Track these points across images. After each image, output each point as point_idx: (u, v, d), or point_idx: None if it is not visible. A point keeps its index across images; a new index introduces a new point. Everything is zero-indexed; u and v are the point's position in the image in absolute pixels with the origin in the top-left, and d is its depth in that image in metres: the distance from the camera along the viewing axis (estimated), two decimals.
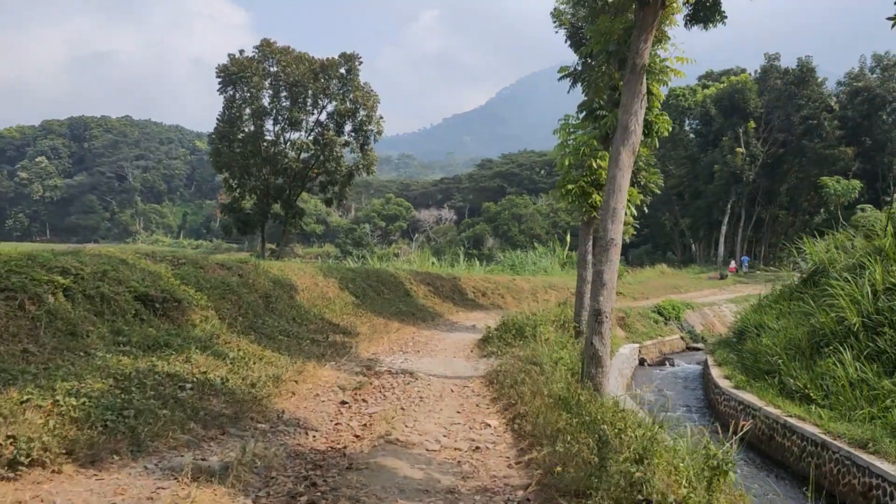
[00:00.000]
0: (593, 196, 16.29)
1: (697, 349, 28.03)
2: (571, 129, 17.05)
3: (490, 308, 25.10)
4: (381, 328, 15.78)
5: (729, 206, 58.14)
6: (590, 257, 17.00)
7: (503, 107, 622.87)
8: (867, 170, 62.20)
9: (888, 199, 57.25)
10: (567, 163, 16.43)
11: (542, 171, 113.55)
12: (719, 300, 35.27)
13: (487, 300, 26.03)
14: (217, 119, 30.46)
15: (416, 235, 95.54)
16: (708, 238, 65.99)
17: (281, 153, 31.03)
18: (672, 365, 24.52)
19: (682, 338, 28.15)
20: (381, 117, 31.75)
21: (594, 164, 16.19)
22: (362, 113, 31.50)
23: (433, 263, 31.10)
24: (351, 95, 31.09)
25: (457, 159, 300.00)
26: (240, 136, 30.26)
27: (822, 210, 77.21)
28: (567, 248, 41.85)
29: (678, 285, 41.67)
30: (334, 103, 31.34)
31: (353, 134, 31.98)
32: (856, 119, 55.08)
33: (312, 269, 17.58)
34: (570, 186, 16.27)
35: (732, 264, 53.58)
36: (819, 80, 57.46)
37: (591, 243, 17.11)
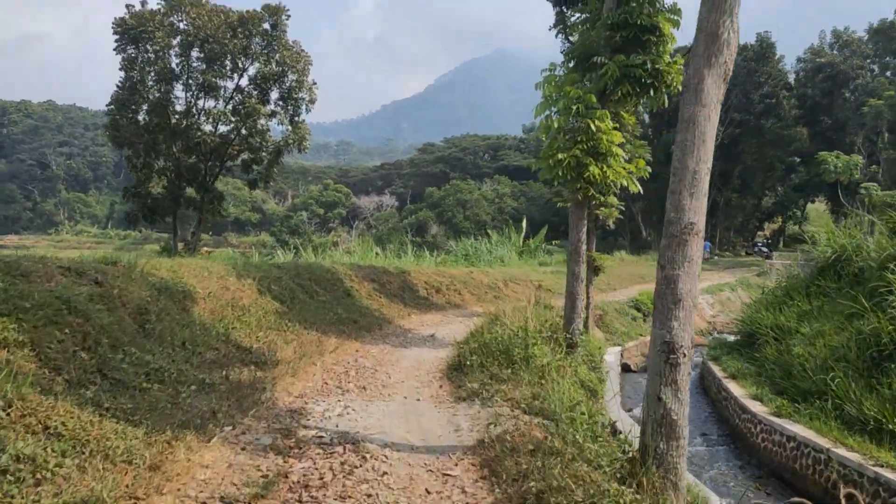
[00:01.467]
0: (591, 168, 12.46)
1: None
2: (559, 82, 13.19)
3: (447, 308, 21.22)
4: (313, 347, 11.70)
5: None
6: (583, 247, 13.25)
7: (442, 93, 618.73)
8: (822, 150, 60.49)
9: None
10: (556, 125, 12.55)
11: (487, 156, 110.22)
12: None
13: (443, 297, 22.12)
14: (116, 86, 25.46)
15: (357, 223, 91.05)
16: (663, 222, 63.34)
17: (194, 125, 26.18)
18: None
19: None
20: (315, 83, 27.01)
21: (592, 127, 12.34)
22: (291, 77, 26.66)
23: (377, 254, 27.01)
24: (277, 56, 26.11)
25: (397, 146, 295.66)
26: (143, 106, 25.31)
27: (768, 192, 75.79)
28: (522, 234, 38.29)
29: (642, 274, 38.49)
30: (257, 65, 26.56)
31: (280, 103, 27.05)
32: (815, 97, 52.93)
33: (222, 268, 13.35)
34: (560, 156, 12.41)
35: None
36: (777, 56, 55.12)
37: (584, 230, 13.33)
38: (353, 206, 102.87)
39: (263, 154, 27.10)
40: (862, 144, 52.00)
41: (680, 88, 13.20)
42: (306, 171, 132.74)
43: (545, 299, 20.97)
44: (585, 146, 12.45)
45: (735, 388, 14.39)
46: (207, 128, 26.71)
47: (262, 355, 10.11)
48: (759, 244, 58.54)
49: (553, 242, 53.71)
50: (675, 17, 13.06)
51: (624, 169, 13.03)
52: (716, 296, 32.01)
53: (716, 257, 53.69)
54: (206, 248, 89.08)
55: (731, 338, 21.63)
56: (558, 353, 11.47)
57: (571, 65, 13.45)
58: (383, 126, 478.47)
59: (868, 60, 52.16)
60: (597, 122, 12.38)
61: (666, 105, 13.52)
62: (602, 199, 19.54)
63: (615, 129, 12.81)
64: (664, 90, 13.12)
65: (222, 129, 27.07)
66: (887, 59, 51.95)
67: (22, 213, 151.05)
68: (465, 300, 22.78)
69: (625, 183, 13.03)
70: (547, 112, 13.18)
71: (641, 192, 13.74)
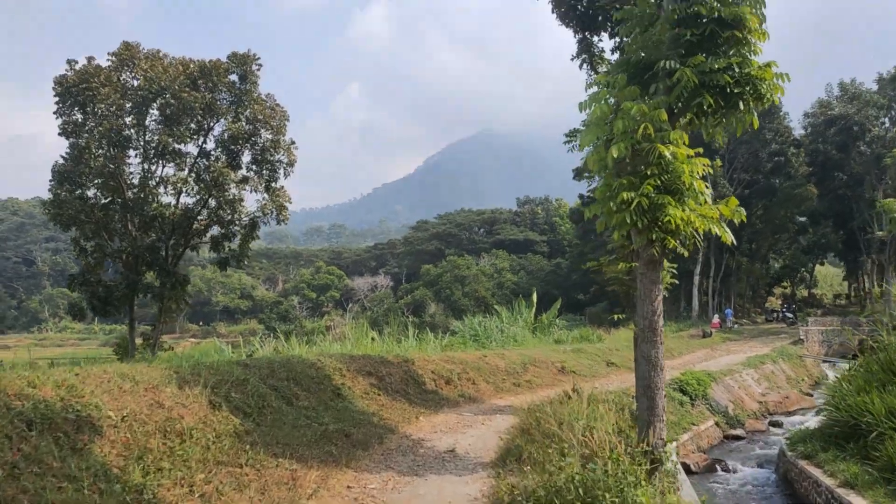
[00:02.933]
0: (669, 211, 8.92)
1: (738, 438, 20.71)
2: (611, 101, 9.81)
3: (461, 403, 17.35)
4: (283, 492, 7.91)
5: (701, 255, 52.07)
6: (661, 322, 9.59)
7: (432, 174, 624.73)
8: (833, 209, 57.64)
9: (868, 238, 52.26)
10: (616, 155, 9.06)
11: (482, 231, 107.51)
12: (732, 365, 28.19)
13: (455, 390, 18.24)
14: (62, 157, 21.80)
15: (351, 305, 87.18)
16: (676, 291, 59.89)
17: (150, 197, 22.61)
18: (727, 470, 16.97)
19: (716, 423, 20.79)
20: (293, 142, 23.32)
21: (667, 154, 8.88)
22: (265, 136, 22.95)
23: (373, 339, 23.18)
24: (247, 112, 22.62)
25: (390, 227, 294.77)
26: (91, 178, 21.49)
27: (774, 256, 72.85)
28: (534, 309, 34.55)
29: (670, 348, 34.70)
30: (224, 123, 23.32)
31: (253, 167, 23.58)
32: (827, 152, 50.19)
33: (158, 374, 9.57)
34: (626, 196, 8.88)
35: (716, 319, 47.14)
36: (782, 112, 52.74)
37: (660, 298, 9.68)
38: (346, 288, 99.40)
39: (236, 228, 23.38)
40: (883, 200, 48.92)
41: (777, 101, 9.86)
42: (298, 255, 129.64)
43: (575, 385, 17.00)
44: (659, 180, 8.97)
45: None
46: (167, 199, 23.05)
47: None
48: (783, 310, 54.86)
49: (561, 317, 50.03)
50: (760, 12, 9.79)
51: (711, 211, 9.49)
52: (759, 370, 28.11)
53: (736, 326, 49.94)
54: (192, 339, 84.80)
55: (809, 422, 17.77)
56: (650, 483, 7.67)
57: (629, 75, 10.07)
58: (376, 208, 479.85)
59: (882, 111, 49.70)
60: (671, 147, 8.94)
61: (755, 126, 10.11)
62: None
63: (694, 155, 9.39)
64: (751, 110, 9.78)
65: (186, 200, 23.41)
66: None
67: (7, 312, 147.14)
68: (482, 391, 18.91)
69: (716, 231, 9.45)
70: (596, 140, 9.79)
71: (735, 243, 10.10)
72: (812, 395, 27.93)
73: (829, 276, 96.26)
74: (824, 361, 35.54)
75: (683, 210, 9.03)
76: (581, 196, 71.93)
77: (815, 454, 13.98)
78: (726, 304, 57.03)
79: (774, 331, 47.20)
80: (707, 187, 9.51)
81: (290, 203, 23.37)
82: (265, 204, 23.23)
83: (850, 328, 27.19)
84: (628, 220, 8.92)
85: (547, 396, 15.20)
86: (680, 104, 9.60)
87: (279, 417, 10.88)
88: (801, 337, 37.62)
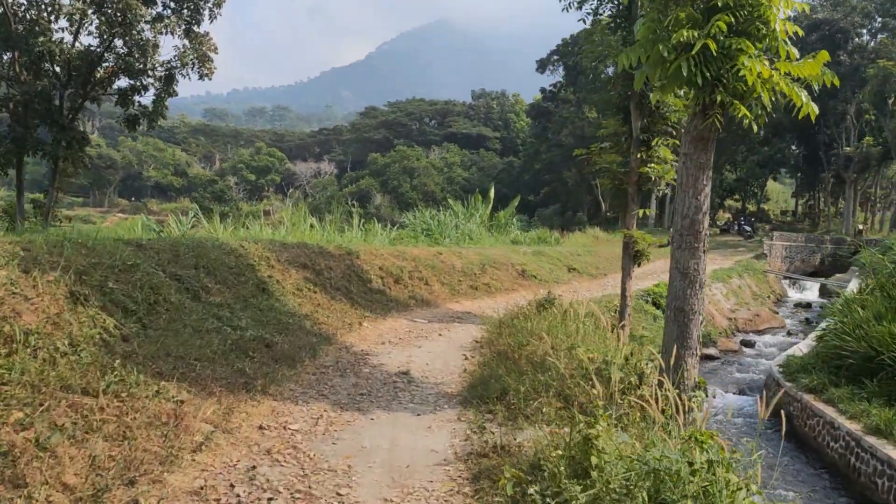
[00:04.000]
0: (743, 61, 6.19)
1: (712, 358, 18.97)
2: None
3: (412, 306, 14.89)
4: (156, 439, 5.27)
5: None
6: (705, 221, 7.03)
7: (384, 61, 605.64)
8: (798, 122, 55.80)
9: (834, 154, 50.75)
10: None
11: (434, 122, 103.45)
12: None
13: (405, 290, 15.72)
14: None
15: (291, 190, 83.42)
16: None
17: (38, 28, 18.09)
18: (706, 395, 15.12)
19: None
20: None
21: None
22: None
23: (312, 226, 20.34)
24: None
25: (336, 113, 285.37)
26: None
27: (729, 168, 71.48)
28: (490, 206, 32.01)
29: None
30: None
31: (171, 4, 19.22)
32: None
33: None
34: (686, 35, 6.09)
35: None
36: None
37: (708, 188, 7.10)
38: (287, 172, 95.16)
39: (149, 80, 19.61)
40: (854, 114, 47.13)
41: None
42: (238, 134, 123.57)
43: (551, 292, 14.55)
44: (736, 17, 6.22)
45: None
46: (61, 36, 18.79)
47: None
48: (741, 222, 53.66)
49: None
50: None
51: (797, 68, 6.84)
52: (727, 284, 26.41)
53: None
54: (120, 215, 79.93)
55: (803, 347, 15.90)
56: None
57: None
58: (323, 93, 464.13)
59: (867, 20, 47.21)
60: None
61: None
62: (651, 153, 13.59)
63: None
64: None
65: (87, 41, 19.32)
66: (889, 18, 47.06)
67: None
68: (435, 293, 16.47)
69: (802, 99, 6.80)
70: None
71: (817, 111, 7.40)
72: (779, 313, 26.58)
73: (775, 192, 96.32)
74: (786, 278, 34.34)
75: (760, 62, 6.33)
76: (543, 90, 68.45)
77: (822, 389, 12.02)
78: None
79: (732, 243, 45.99)
80: (796, 33, 6.81)
81: (216, 53, 19.48)
82: (185, 52, 19.33)
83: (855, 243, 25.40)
84: (685, 72, 6.17)
85: (512, 303, 12.87)
86: None
87: (178, 318, 8.14)
88: (765, 251, 36.26)
